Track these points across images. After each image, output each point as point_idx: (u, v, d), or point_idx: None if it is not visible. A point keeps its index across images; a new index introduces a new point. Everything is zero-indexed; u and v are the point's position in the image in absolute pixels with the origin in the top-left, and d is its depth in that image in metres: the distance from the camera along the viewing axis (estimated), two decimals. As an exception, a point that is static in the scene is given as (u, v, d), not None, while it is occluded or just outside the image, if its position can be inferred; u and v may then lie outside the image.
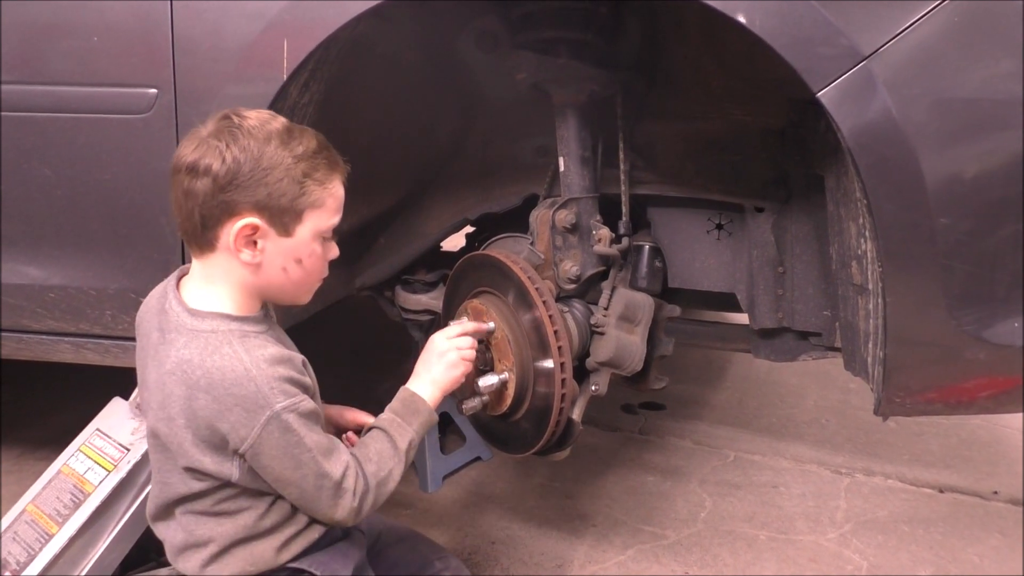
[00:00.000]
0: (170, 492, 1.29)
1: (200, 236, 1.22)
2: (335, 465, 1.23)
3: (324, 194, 1.25)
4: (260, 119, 1.22)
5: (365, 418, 1.50)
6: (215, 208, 1.18)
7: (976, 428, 2.94)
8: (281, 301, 1.34)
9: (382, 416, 1.39)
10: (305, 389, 1.24)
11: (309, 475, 1.21)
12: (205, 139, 1.19)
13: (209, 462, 1.21)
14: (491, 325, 1.64)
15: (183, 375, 1.18)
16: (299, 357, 1.28)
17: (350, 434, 1.50)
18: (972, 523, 2.34)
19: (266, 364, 1.18)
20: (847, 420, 3.04)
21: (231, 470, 1.22)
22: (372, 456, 1.31)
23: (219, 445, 1.20)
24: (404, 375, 1.46)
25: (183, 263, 1.67)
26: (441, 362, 1.45)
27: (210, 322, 1.22)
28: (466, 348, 1.49)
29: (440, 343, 1.48)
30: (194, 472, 1.23)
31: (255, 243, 1.22)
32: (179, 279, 1.31)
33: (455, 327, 1.54)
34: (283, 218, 1.22)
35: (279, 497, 1.28)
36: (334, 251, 1.34)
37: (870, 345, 1.55)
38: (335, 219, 1.29)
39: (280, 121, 1.24)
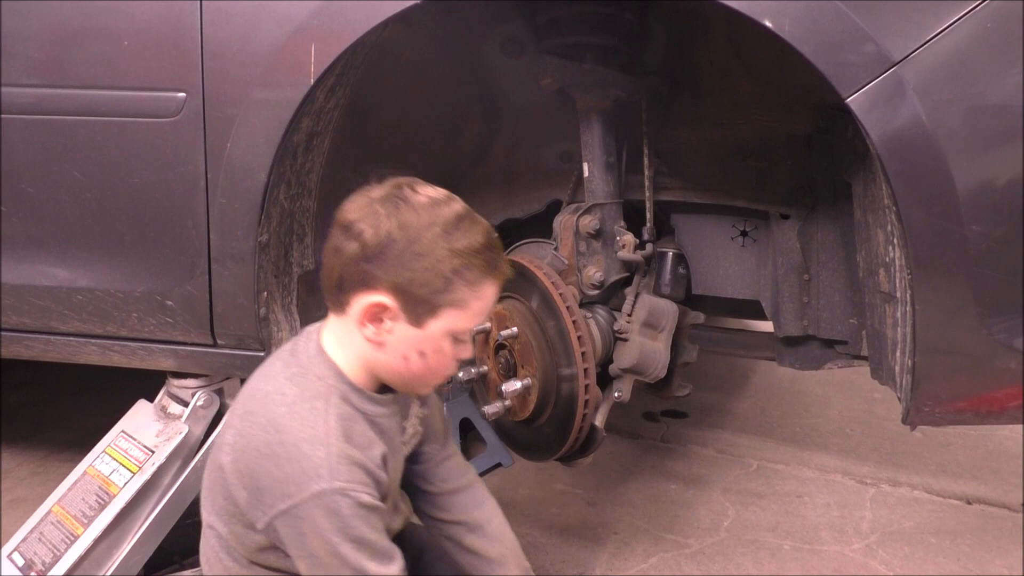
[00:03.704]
0: None
1: (335, 295, 1.19)
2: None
3: (470, 295, 1.17)
4: (433, 199, 1.17)
5: None
6: (355, 274, 1.15)
7: (1004, 439, 2.90)
8: (396, 387, 1.28)
9: None
10: (378, 483, 1.18)
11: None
12: (371, 200, 1.15)
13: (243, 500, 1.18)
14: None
15: (271, 400, 1.18)
16: (380, 450, 1.21)
17: None
18: (1000, 535, 2.30)
19: (337, 439, 1.14)
20: (872, 430, 3.01)
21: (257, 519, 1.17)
22: None
23: (253, 491, 1.16)
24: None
25: (209, 267, 1.67)
26: None
27: (324, 369, 1.21)
28: None
29: None
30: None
31: (382, 320, 1.17)
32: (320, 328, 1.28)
33: None
34: (417, 308, 1.16)
35: None
36: (467, 352, 1.25)
37: (898, 354, 1.53)
38: (475, 323, 1.22)
39: (454, 208, 1.17)
